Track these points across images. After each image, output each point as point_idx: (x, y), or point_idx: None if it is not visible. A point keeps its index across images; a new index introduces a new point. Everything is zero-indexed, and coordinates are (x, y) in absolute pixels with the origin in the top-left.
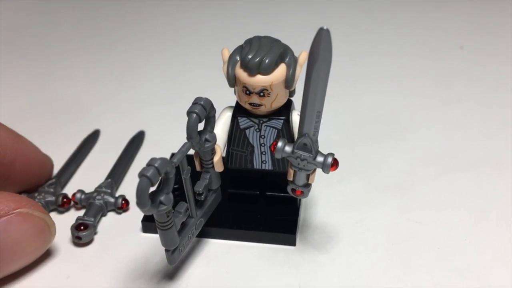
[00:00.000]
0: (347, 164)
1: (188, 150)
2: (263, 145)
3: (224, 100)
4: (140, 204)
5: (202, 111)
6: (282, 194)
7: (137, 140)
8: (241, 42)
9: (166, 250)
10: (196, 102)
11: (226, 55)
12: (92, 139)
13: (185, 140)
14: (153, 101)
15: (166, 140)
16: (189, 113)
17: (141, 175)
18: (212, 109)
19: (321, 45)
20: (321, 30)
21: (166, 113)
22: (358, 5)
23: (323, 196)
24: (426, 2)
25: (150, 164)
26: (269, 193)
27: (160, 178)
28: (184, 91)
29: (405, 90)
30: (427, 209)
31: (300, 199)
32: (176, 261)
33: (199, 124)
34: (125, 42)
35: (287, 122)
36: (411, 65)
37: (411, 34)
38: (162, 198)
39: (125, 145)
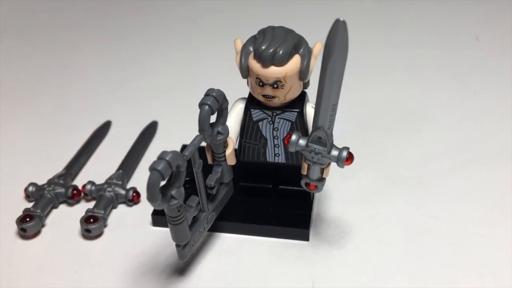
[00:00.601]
0: (361, 157)
1: (200, 142)
2: (276, 137)
3: (236, 91)
4: (150, 198)
5: (214, 103)
6: (295, 188)
7: (149, 131)
8: (253, 32)
9: (177, 245)
10: (208, 93)
11: (239, 45)
12: (103, 130)
13: (197, 132)
14: (165, 91)
15: (179, 131)
16: (201, 105)
17: (152, 169)
18: (225, 100)
19: (337, 37)
20: (337, 22)
21: (178, 104)
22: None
23: (337, 190)
24: None
25: (161, 157)
26: (281, 186)
27: (171, 172)
28: (196, 81)
29: (419, 82)
30: (442, 203)
31: (313, 193)
32: (187, 256)
33: (211, 116)
34: (135, 31)
35: (301, 115)
36: (425, 56)
37: (425, 25)
38: (173, 192)
39: (137, 136)
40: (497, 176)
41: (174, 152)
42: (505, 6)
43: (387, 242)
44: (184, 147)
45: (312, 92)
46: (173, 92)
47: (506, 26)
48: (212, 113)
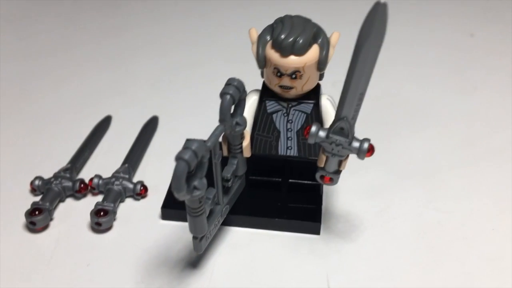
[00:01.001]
0: None
1: (222, 133)
2: (290, 130)
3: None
4: (176, 188)
5: (236, 93)
6: (305, 182)
7: (151, 125)
8: (252, 26)
9: (194, 237)
10: (229, 83)
11: (255, 35)
12: (104, 124)
13: (199, 126)
14: (164, 86)
15: (180, 125)
16: (222, 94)
17: (178, 158)
18: (244, 91)
19: (376, 21)
20: (377, 4)
21: (178, 98)
22: None
23: (344, 183)
24: None
25: (187, 146)
26: (291, 180)
27: (197, 161)
28: (196, 76)
29: (418, 77)
30: (451, 198)
31: (322, 187)
32: (203, 249)
33: None
34: (135, 25)
35: (317, 106)
36: (422, 53)
37: (421, 21)
38: (196, 183)
39: (139, 131)
40: (503, 171)
41: (199, 141)
42: (498, 3)
43: (399, 236)
44: (188, 141)
45: (324, 83)
46: (172, 87)
47: (500, 23)
48: (233, 103)
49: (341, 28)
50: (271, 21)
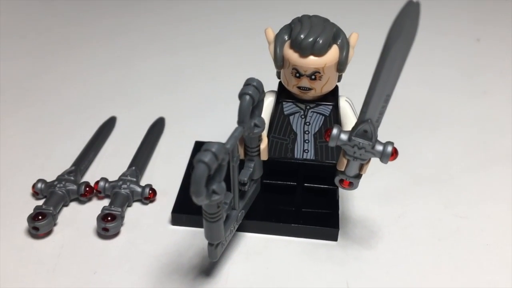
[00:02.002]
0: None
1: (241, 135)
2: (307, 132)
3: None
4: (195, 193)
5: (255, 93)
6: (321, 186)
7: (157, 127)
8: (258, 28)
9: (210, 244)
10: (248, 83)
11: (271, 35)
12: (108, 126)
13: (206, 127)
14: (170, 86)
15: (187, 126)
16: (241, 95)
17: (198, 160)
18: (263, 92)
19: (407, 20)
20: (409, 3)
21: (184, 99)
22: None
23: (359, 188)
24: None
25: (206, 149)
26: (307, 184)
27: (217, 164)
28: (202, 77)
29: (428, 81)
30: (468, 202)
31: (338, 192)
32: (218, 256)
33: None
34: (140, 26)
35: (336, 108)
36: (431, 57)
37: (428, 26)
38: (214, 187)
39: (146, 132)
40: None
41: (219, 144)
42: (504, 9)
43: (418, 242)
44: (198, 144)
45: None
46: (179, 88)
47: (505, 28)
48: (253, 104)
49: (356, 30)
50: (281, 23)
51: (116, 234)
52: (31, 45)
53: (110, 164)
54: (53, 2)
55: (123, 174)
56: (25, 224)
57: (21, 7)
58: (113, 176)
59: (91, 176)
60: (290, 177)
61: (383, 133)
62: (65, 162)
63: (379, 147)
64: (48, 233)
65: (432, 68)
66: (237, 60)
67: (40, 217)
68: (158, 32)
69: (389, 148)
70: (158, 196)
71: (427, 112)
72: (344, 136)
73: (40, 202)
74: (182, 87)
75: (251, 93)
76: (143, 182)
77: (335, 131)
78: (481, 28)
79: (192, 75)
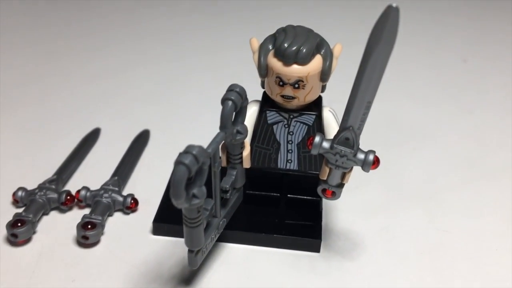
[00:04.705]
0: None
1: (222, 140)
2: (290, 142)
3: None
4: (175, 195)
5: (238, 99)
6: (304, 197)
7: (142, 139)
8: (247, 38)
9: (190, 251)
10: (231, 89)
11: (256, 44)
12: (92, 137)
13: (192, 141)
14: (154, 99)
15: (172, 139)
16: (224, 100)
17: (178, 162)
18: (246, 98)
19: (387, 25)
20: (389, 8)
21: (168, 112)
22: (367, 15)
23: (343, 201)
24: (427, 16)
25: (187, 151)
26: (290, 195)
27: (197, 167)
28: (186, 89)
29: (414, 99)
30: (452, 217)
31: (321, 203)
32: (198, 264)
33: None
34: (125, 38)
35: (319, 118)
36: (418, 76)
37: (414, 44)
38: (195, 191)
39: (130, 143)
40: (502, 191)
41: (200, 147)
42: (490, 31)
43: (401, 256)
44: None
45: (326, 98)
46: (162, 100)
47: (490, 49)
48: (235, 110)
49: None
50: (267, 34)
51: (96, 243)
52: (16, 55)
53: (92, 174)
54: (39, 13)
55: (105, 184)
56: (3, 231)
57: (5, 19)
58: (95, 186)
59: (73, 185)
60: (273, 188)
61: (368, 147)
62: (47, 171)
63: (361, 155)
64: (27, 240)
65: (419, 86)
66: (223, 72)
67: (19, 224)
68: (144, 43)
69: (371, 157)
70: (140, 206)
71: (414, 129)
72: (326, 144)
73: (21, 210)
74: (167, 99)
75: (233, 99)
76: (125, 192)
77: (317, 138)
78: (468, 49)
79: (177, 87)
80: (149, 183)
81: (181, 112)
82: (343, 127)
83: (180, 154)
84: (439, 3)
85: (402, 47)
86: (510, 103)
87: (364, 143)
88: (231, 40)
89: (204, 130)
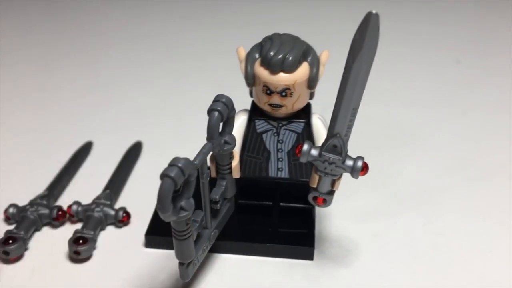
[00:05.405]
0: None
1: (210, 151)
2: (280, 150)
3: None
4: (161, 208)
5: (224, 109)
6: (297, 205)
7: (134, 151)
8: (234, 48)
9: (181, 264)
10: (217, 99)
11: (242, 53)
12: (84, 151)
13: (185, 152)
14: (147, 111)
15: (164, 151)
16: (210, 111)
17: (164, 175)
18: (233, 109)
19: (368, 31)
20: (369, 15)
21: (161, 124)
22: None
23: (337, 207)
24: (419, 16)
25: (173, 164)
26: (283, 204)
27: (183, 180)
28: (180, 101)
29: (407, 102)
30: (446, 221)
31: (314, 211)
32: (190, 276)
33: None
34: (116, 49)
35: (308, 126)
36: (410, 77)
37: (407, 46)
38: (182, 203)
39: (122, 156)
40: (496, 193)
41: (186, 159)
42: (484, 32)
43: (395, 261)
44: None
45: (315, 104)
46: (155, 112)
47: (484, 50)
48: (222, 120)
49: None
50: (259, 40)
51: (88, 258)
52: (5, 69)
53: (84, 189)
54: (27, 27)
55: (97, 198)
56: None
57: None
58: (87, 200)
59: (65, 200)
60: (265, 197)
61: (362, 152)
62: (40, 187)
63: (349, 162)
64: (19, 257)
65: (412, 88)
66: (215, 82)
67: (10, 241)
68: (135, 55)
69: (359, 163)
70: (132, 219)
71: (406, 133)
72: (314, 152)
73: (12, 227)
74: (160, 110)
75: (219, 109)
76: (118, 205)
77: (305, 146)
78: (462, 50)
79: (169, 98)
80: (142, 195)
81: (173, 123)
82: (330, 134)
83: (166, 168)
84: (432, 4)
85: (395, 48)
86: (503, 104)
87: (356, 146)
88: (224, 49)
89: (197, 141)
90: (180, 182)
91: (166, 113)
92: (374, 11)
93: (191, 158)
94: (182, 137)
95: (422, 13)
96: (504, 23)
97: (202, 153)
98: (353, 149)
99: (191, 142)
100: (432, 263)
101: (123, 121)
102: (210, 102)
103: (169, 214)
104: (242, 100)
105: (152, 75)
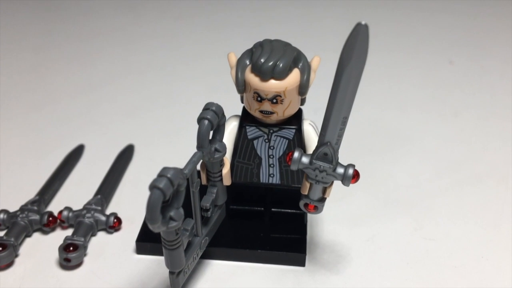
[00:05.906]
0: None
1: (199, 160)
2: (271, 156)
3: None
4: (150, 219)
5: (214, 118)
6: (288, 211)
7: (126, 154)
8: (226, 52)
9: (171, 273)
10: (207, 107)
11: (234, 59)
12: (76, 154)
13: (177, 155)
14: (139, 113)
15: (157, 154)
16: (200, 119)
17: (153, 187)
18: (223, 116)
19: (357, 42)
20: (358, 26)
21: (153, 126)
22: (350, 19)
23: (328, 212)
24: (412, 17)
25: (162, 174)
26: (274, 209)
27: (172, 190)
28: (172, 104)
29: (399, 104)
30: (438, 225)
31: (306, 216)
32: (180, 285)
33: None
34: (107, 51)
35: (299, 132)
36: (402, 79)
37: (399, 47)
38: (172, 213)
39: (114, 160)
40: (489, 196)
41: (175, 169)
42: (477, 32)
43: (387, 266)
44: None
45: (307, 107)
46: (147, 114)
47: (476, 52)
48: (212, 128)
49: (320, 53)
50: (250, 47)
51: (78, 265)
52: None
53: (76, 193)
54: (17, 29)
55: (88, 203)
56: None
57: None
58: (79, 205)
59: (56, 205)
60: (257, 202)
61: (353, 156)
62: (30, 192)
63: (340, 170)
64: (9, 264)
65: (403, 90)
66: (208, 85)
67: (0, 248)
68: (127, 58)
69: (350, 171)
70: (124, 225)
71: (400, 135)
72: (305, 160)
73: (2, 233)
74: (151, 114)
75: (209, 118)
76: (109, 210)
77: (296, 154)
78: (454, 51)
79: (162, 100)
80: (134, 200)
81: (166, 126)
82: (320, 142)
83: (155, 179)
84: (424, 4)
85: (387, 50)
86: (495, 106)
87: (348, 150)
88: (216, 52)
89: (189, 144)
90: (169, 193)
91: (158, 116)
92: (363, 22)
93: (184, 162)
94: (174, 140)
95: (413, 15)
96: (496, 24)
97: (192, 162)
98: (344, 153)
99: (183, 145)
100: (423, 269)
101: (115, 124)
102: (203, 105)
103: (158, 224)
104: (234, 103)
105: (145, 78)
